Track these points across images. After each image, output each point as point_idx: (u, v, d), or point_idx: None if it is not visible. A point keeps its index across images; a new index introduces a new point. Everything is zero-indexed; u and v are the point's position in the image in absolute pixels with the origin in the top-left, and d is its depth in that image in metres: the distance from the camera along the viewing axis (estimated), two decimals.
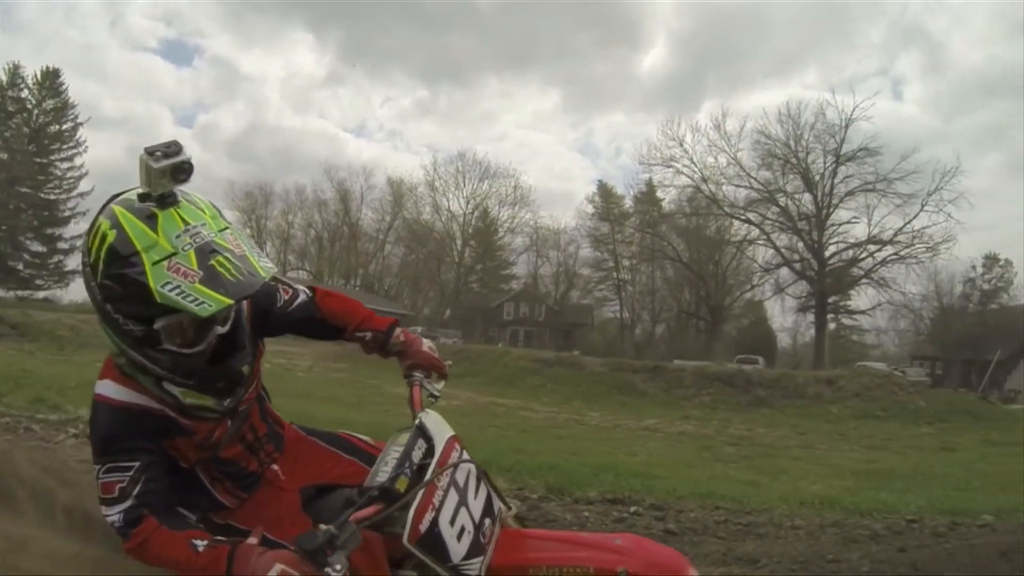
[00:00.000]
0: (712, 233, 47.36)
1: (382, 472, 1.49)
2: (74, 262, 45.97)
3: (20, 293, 41.99)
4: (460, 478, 1.60)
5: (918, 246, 39.93)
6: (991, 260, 44.11)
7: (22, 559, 2.14)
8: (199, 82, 79.55)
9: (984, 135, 63.91)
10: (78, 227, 46.33)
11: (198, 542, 1.43)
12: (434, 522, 1.46)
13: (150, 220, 1.35)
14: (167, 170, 1.34)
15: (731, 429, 15.46)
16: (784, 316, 47.47)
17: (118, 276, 1.35)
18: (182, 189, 1.41)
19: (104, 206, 1.44)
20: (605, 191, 54.34)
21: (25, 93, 43.67)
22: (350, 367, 19.89)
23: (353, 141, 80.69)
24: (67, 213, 45.50)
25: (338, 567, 1.23)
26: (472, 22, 73.23)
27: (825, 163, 41.99)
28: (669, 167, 45.27)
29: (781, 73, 66.55)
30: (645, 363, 25.25)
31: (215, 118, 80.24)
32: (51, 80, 44.53)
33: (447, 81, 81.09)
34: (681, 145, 44.77)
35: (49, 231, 45.10)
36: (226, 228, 1.42)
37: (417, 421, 1.65)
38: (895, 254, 40.78)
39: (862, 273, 42.13)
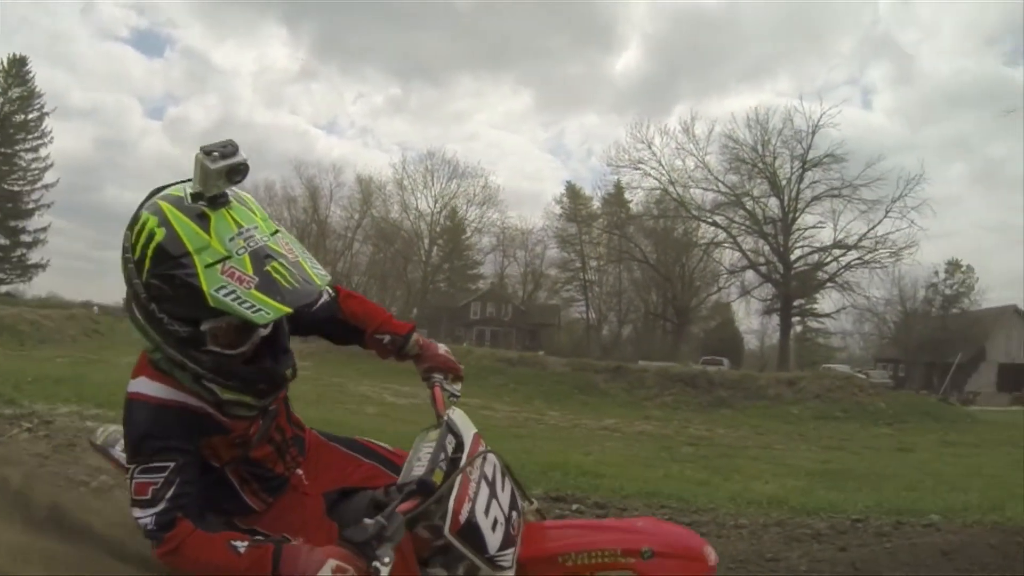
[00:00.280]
0: (679, 235, 47.68)
1: (417, 467, 1.51)
2: (38, 255, 44.74)
3: None
4: (488, 471, 1.64)
5: (882, 251, 41.00)
6: (953, 266, 45.18)
7: None
8: (170, 73, 76.77)
9: (949, 145, 65.07)
10: (42, 220, 45.04)
11: (238, 543, 1.38)
12: (471, 512, 1.48)
13: (201, 220, 1.32)
14: (223, 171, 1.30)
15: (691, 429, 15.38)
16: (750, 318, 48.22)
17: (167, 276, 1.32)
18: (232, 188, 1.37)
19: (147, 200, 1.40)
20: (573, 192, 54.32)
21: None
22: (314, 365, 19.49)
23: (324, 138, 78.95)
24: (31, 205, 44.22)
25: (386, 560, 1.23)
26: (448, 20, 72.47)
27: (792, 168, 42.73)
28: (637, 169, 45.62)
29: (754, 79, 67.07)
30: (608, 363, 25.13)
31: (185, 111, 77.28)
32: (17, 68, 43.23)
33: (420, 79, 79.52)
34: (649, 147, 45.11)
35: (12, 223, 43.72)
36: (277, 231, 1.41)
37: (445, 418, 1.69)
38: (859, 259, 41.75)
39: (827, 277, 42.91)
